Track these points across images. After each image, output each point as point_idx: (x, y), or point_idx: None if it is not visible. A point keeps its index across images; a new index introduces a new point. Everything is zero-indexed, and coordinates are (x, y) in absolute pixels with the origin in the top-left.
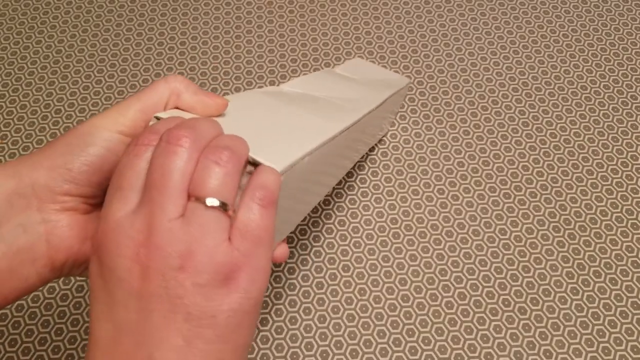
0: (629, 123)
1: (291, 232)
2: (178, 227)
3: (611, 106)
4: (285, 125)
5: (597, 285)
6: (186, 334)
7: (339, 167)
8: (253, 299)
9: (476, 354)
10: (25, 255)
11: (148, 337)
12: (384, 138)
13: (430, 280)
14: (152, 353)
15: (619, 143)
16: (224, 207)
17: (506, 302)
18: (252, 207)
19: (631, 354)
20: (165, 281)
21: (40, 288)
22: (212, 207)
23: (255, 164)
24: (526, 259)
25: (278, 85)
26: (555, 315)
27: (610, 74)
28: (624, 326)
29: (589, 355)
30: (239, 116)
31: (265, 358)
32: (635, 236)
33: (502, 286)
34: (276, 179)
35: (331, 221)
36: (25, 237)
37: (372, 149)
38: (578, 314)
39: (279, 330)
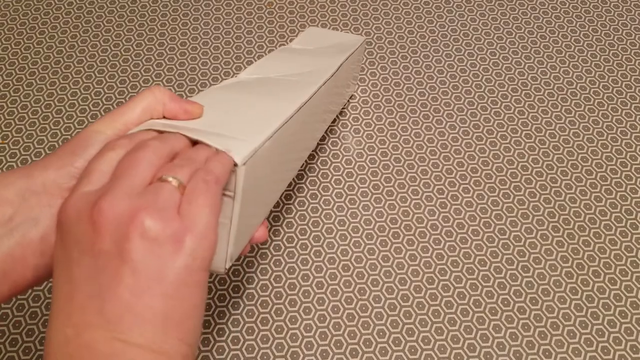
0: (628, 123)
1: (291, 232)
2: (134, 193)
3: (610, 107)
4: (242, 115)
5: (596, 285)
6: (133, 288)
7: (307, 139)
8: (199, 260)
9: (476, 354)
10: (37, 246)
11: (99, 292)
12: (384, 138)
13: (430, 280)
14: (102, 306)
15: (618, 143)
16: (177, 182)
17: (505, 302)
18: (198, 181)
19: (630, 353)
20: (115, 237)
21: (41, 287)
22: (168, 181)
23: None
24: (525, 258)
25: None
26: (555, 314)
27: (609, 75)
28: (623, 326)
29: (589, 354)
30: (203, 116)
31: (265, 357)
32: (634, 236)
33: (502, 286)
34: (225, 164)
35: (331, 221)
36: (37, 229)
37: (372, 149)
38: (577, 314)
39: (279, 329)
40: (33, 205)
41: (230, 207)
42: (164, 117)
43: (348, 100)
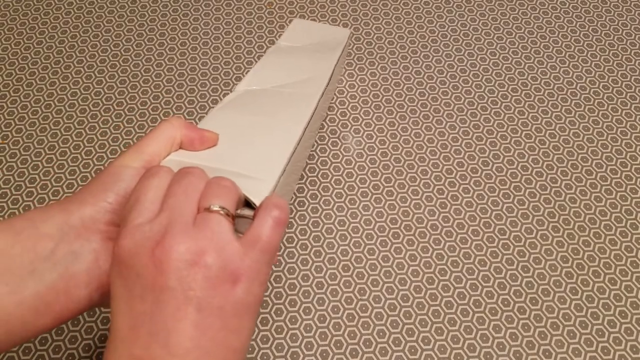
0: (628, 123)
1: (291, 232)
2: (190, 229)
3: (610, 107)
4: (253, 145)
5: (596, 285)
6: (198, 323)
7: (308, 142)
8: (253, 295)
9: (475, 354)
10: (80, 279)
11: (163, 326)
12: (384, 138)
13: (430, 280)
14: (168, 340)
15: (618, 143)
16: (224, 211)
17: (505, 302)
18: (267, 221)
19: (630, 353)
20: (179, 275)
21: None
22: (215, 211)
23: (248, 202)
24: (525, 258)
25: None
26: (555, 314)
27: (609, 75)
28: (624, 326)
29: (589, 354)
30: (217, 147)
31: (265, 357)
32: (634, 236)
33: (502, 286)
34: (287, 204)
35: (331, 221)
36: (79, 263)
37: (372, 149)
38: (577, 314)
39: (279, 329)
40: (72, 240)
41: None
42: (181, 146)
43: (346, 99)
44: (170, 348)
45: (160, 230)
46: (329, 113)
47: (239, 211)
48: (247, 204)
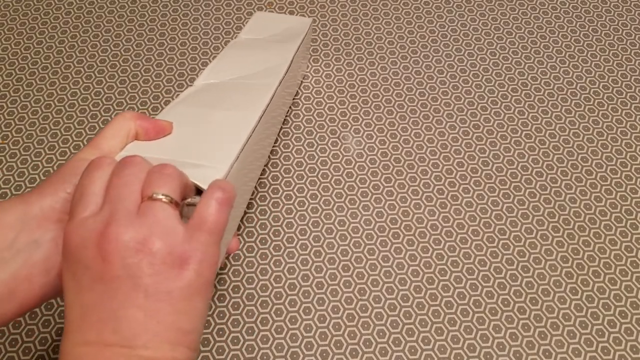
0: (628, 123)
1: (291, 232)
2: (134, 218)
3: (610, 107)
4: (208, 137)
5: (596, 285)
6: (146, 308)
7: (269, 133)
8: (203, 278)
9: (475, 354)
10: (41, 267)
11: (112, 314)
12: (384, 138)
13: (430, 280)
14: (118, 326)
15: (618, 143)
16: (168, 198)
17: (505, 302)
18: (210, 203)
19: (630, 353)
20: (125, 263)
21: None
22: (158, 199)
23: (197, 189)
24: (525, 258)
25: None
26: (555, 315)
27: (609, 75)
28: (624, 326)
29: (589, 354)
30: (171, 139)
31: (265, 358)
32: (634, 236)
33: (502, 286)
34: (231, 185)
35: (331, 221)
36: (40, 251)
37: (372, 150)
38: (577, 314)
39: (279, 330)
40: (33, 229)
41: None
42: (136, 137)
43: (346, 99)
44: (121, 333)
45: (103, 222)
46: (329, 113)
47: (189, 200)
48: (200, 192)
